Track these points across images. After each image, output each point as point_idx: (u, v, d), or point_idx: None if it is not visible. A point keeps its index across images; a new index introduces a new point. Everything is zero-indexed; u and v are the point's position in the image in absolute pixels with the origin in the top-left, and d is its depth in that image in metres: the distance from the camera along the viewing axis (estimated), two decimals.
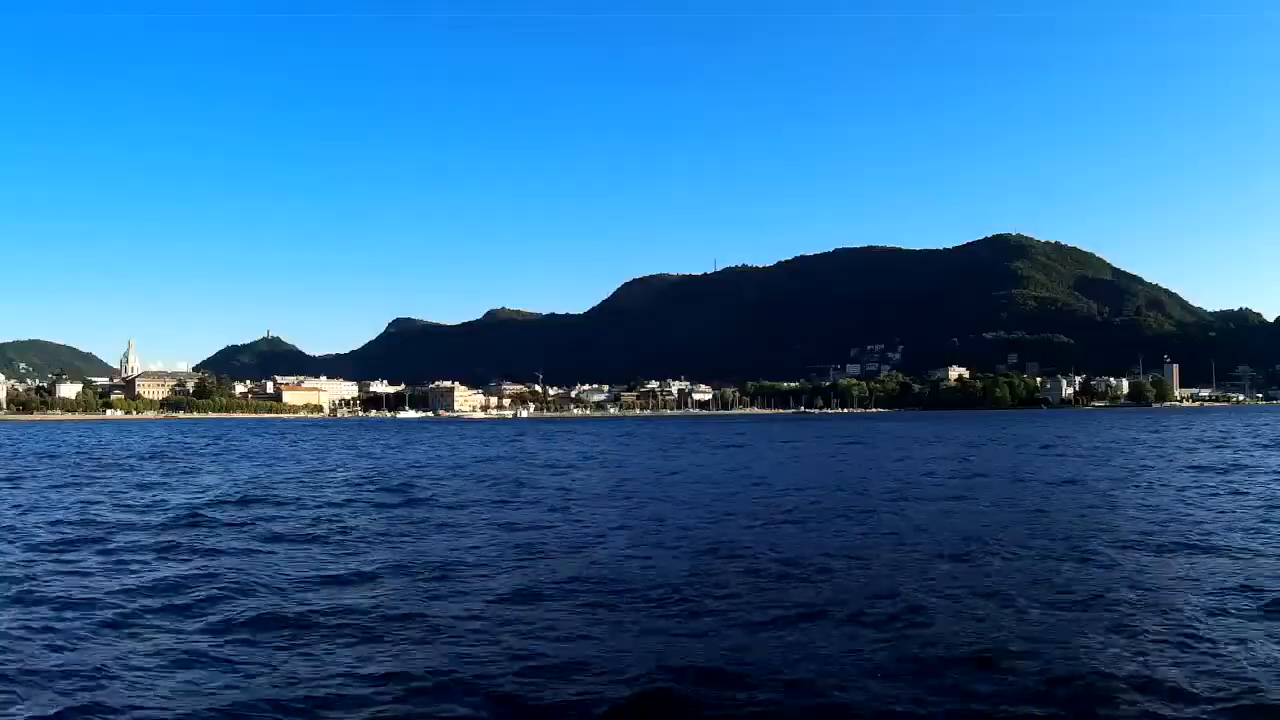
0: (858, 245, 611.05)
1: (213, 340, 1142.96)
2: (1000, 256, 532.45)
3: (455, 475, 39.07)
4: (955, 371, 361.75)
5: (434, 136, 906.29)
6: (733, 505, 25.33)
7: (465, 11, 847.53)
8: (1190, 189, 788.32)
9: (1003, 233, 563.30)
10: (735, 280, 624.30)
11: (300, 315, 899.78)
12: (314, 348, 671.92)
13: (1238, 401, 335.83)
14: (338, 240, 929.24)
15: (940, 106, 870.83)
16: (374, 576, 14.90)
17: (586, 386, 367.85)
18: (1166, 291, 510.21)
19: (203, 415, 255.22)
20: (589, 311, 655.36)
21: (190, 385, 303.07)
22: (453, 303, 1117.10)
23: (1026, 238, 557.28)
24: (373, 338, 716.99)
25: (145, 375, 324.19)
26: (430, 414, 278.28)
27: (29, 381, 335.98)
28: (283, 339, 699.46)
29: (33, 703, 8.68)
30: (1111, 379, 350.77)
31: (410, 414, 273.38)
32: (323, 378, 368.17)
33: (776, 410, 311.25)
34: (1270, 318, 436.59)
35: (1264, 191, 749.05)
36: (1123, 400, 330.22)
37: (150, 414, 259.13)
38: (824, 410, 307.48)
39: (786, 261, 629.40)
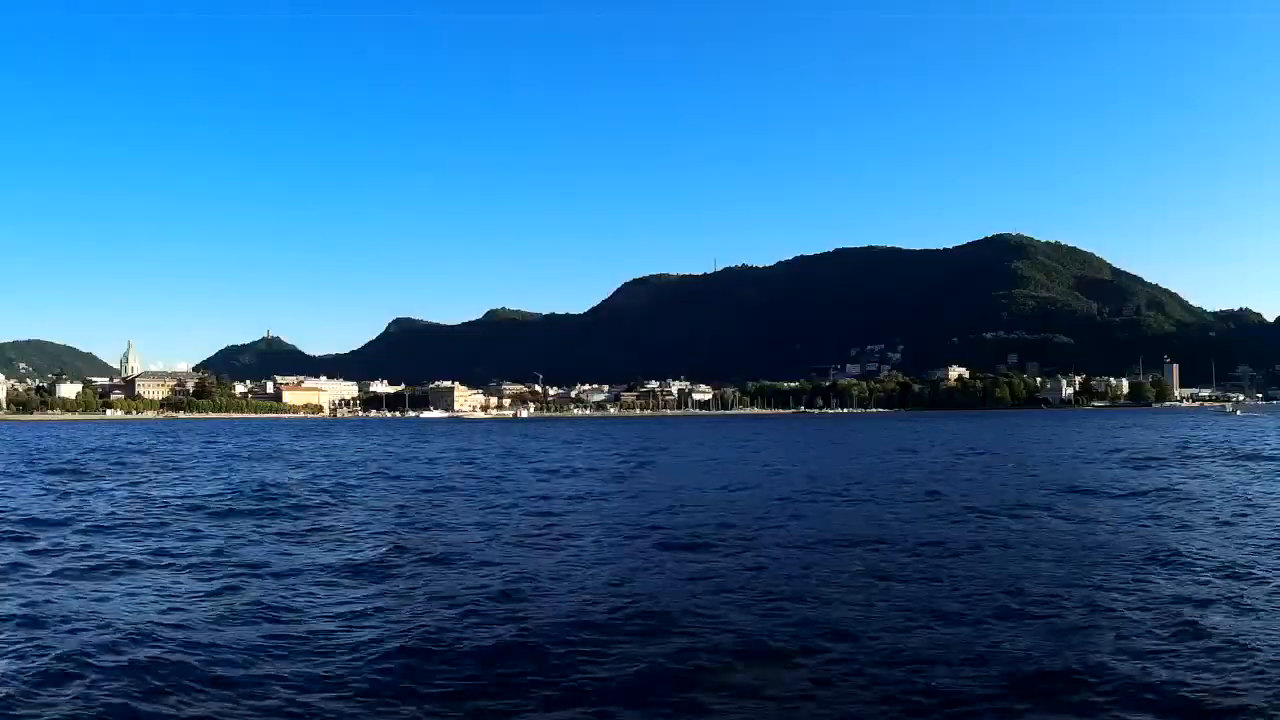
0: (858, 245, 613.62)
1: (213, 340, 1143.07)
2: (1000, 256, 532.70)
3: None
4: (955, 371, 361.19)
5: (434, 136, 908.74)
6: None
7: (465, 12, 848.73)
8: (1190, 189, 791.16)
9: (1003, 233, 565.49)
10: (735, 280, 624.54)
11: (300, 315, 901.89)
12: (314, 348, 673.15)
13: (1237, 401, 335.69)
14: (338, 240, 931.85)
15: (940, 106, 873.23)
16: None
17: (586, 386, 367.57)
18: (1166, 291, 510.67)
19: (203, 415, 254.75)
20: (589, 311, 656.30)
21: (190, 385, 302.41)
22: (453, 303, 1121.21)
23: (1026, 238, 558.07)
24: (373, 338, 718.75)
25: (145, 375, 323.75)
26: (434, 413, 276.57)
27: (29, 381, 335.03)
28: (283, 339, 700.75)
29: None
30: (1111, 379, 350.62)
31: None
32: (323, 378, 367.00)
33: (777, 410, 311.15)
34: (1270, 318, 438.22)
35: (1264, 191, 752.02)
36: (1123, 400, 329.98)
37: (150, 414, 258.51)
38: (824, 410, 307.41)
39: (786, 261, 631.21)
